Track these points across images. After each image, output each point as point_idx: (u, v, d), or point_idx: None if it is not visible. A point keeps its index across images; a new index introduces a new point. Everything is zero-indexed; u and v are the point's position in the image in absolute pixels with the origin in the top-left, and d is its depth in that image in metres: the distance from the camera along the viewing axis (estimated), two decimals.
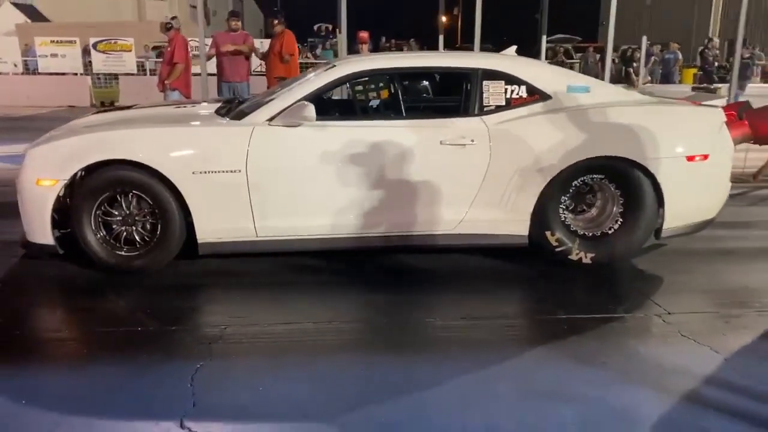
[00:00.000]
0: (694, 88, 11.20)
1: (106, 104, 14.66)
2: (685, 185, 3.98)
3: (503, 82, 4.04)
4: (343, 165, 3.84)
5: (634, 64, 14.98)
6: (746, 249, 4.61)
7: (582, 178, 4.00)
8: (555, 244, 4.02)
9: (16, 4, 25.81)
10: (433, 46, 11.70)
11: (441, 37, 10.74)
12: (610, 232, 4.06)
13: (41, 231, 3.83)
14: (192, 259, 4.00)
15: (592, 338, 3.15)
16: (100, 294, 3.68)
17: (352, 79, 4.15)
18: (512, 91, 4.03)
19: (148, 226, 3.90)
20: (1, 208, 5.08)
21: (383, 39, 23.71)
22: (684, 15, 30.39)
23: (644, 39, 13.85)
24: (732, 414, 2.49)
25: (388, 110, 4.45)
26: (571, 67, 17.91)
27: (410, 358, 2.94)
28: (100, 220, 3.86)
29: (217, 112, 4.33)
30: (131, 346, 3.02)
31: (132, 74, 15.79)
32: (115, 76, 15.89)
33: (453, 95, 4.42)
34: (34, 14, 26.30)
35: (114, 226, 3.90)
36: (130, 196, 3.85)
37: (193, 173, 3.75)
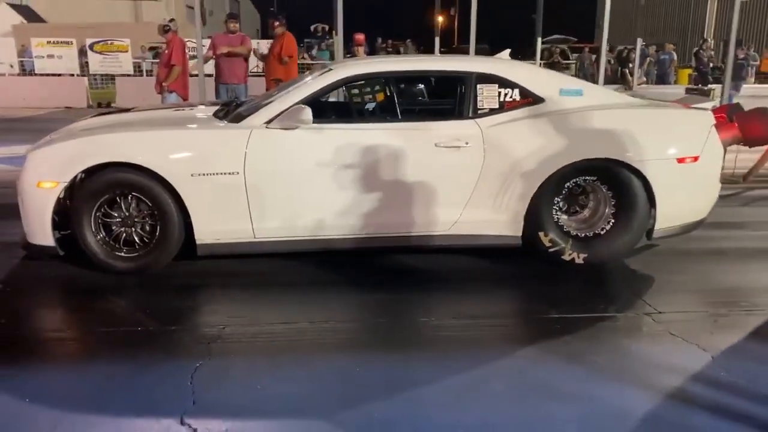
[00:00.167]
0: (688, 90, 11.24)
1: (103, 105, 14.68)
2: (675, 187, 4.04)
3: (497, 85, 4.10)
4: (340, 167, 3.90)
5: (630, 65, 15.06)
6: (738, 249, 4.68)
7: (575, 180, 4.07)
8: (548, 244, 4.09)
9: (12, 5, 25.76)
10: (429, 46, 11.77)
11: (437, 39, 10.79)
12: (602, 232, 4.13)
13: (42, 232, 3.88)
14: (191, 260, 4.05)
15: (584, 337, 3.22)
16: (100, 294, 3.73)
17: (348, 82, 4.21)
18: (506, 95, 4.10)
19: (147, 228, 3.95)
20: (2, 210, 5.12)
21: (379, 40, 23.65)
22: (680, 15, 30.49)
23: (639, 40, 13.95)
24: (718, 410, 2.56)
25: (384, 113, 4.50)
26: (567, 68, 18.01)
27: (406, 356, 2.99)
28: (99, 221, 3.91)
29: (216, 115, 4.38)
30: (131, 346, 3.07)
31: (129, 75, 15.82)
32: (112, 77, 15.92)
33: (448, 98, 4.48)
34: (30, 15, 26.24)
35: (114, 228, 3.95)
36: (129, 198, 3.90)
37: (192, 175, 3.80)
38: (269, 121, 3.92)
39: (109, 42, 15.76)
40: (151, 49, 18.12)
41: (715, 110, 4.56)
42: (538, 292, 3.85)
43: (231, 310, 3.53)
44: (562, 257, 4.10)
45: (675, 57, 17.34)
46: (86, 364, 2.95)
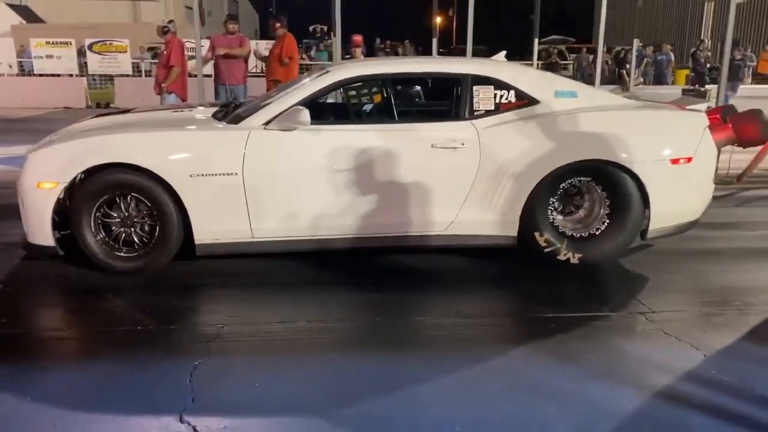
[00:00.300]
0: (684, 91, 11.30)
1: (102, 105, 14.70)
2: (669, 187, 4.08)
3: (492, 87, 4.14)
4: (337, 168, 3.93)
5: (627, 66, 15.10)
6: (731, 249, 4.72)
7: (570, 181, 4.11)
8: (543, 244, 4.13)
9: (11, 5, 25.76)
10: (428, 47, 11.80)
11: (435, 40, 10.82)
12: (597, 233, 4.17)
13: (42, 233, 3.91)
14: (190, 260, 4.08)
15: (579, 336, 3.25)
16: (100, 294, 3.75)
17: (345, 84, 4.25)
18: (501, 96, 4.14)
19: (146, 228, 3.99)
20: (2, 210, 5.15)
21: (378, 40, 23.70)
22: (677, 16, 30.55)
23: (635, 41, 13.98)
24: (709, 409, 2.59)
25: (381, 114, 4.54)
26: (565, 68, 18.05)
27: (401, 355, 3.03)
28: (99, 221, 3.95)
29: (214, 116, 4.41)
30: (131, 345, 3.10)
31: (127, 75, 15.84)
32: (111, 78, 15.93)
33: (444, 100, 4.52)
34: (29, 15, 26.24)
35: (113, 228, 3.98)
36: (128, 198, 3.94)
37: (191, 176, 3.83)
38: (267, 123, 3.95)
39: (107, 42, 15.78)
40: (150, 49, 18.15)
41: (709, 111, 4.60)
42: (533, 292, 3.88)
43: (229, 309, 3.56)
44: (558, 257, 4.14)
45: (672, 57, 17.36)
46: (86, 363, 2.98)
